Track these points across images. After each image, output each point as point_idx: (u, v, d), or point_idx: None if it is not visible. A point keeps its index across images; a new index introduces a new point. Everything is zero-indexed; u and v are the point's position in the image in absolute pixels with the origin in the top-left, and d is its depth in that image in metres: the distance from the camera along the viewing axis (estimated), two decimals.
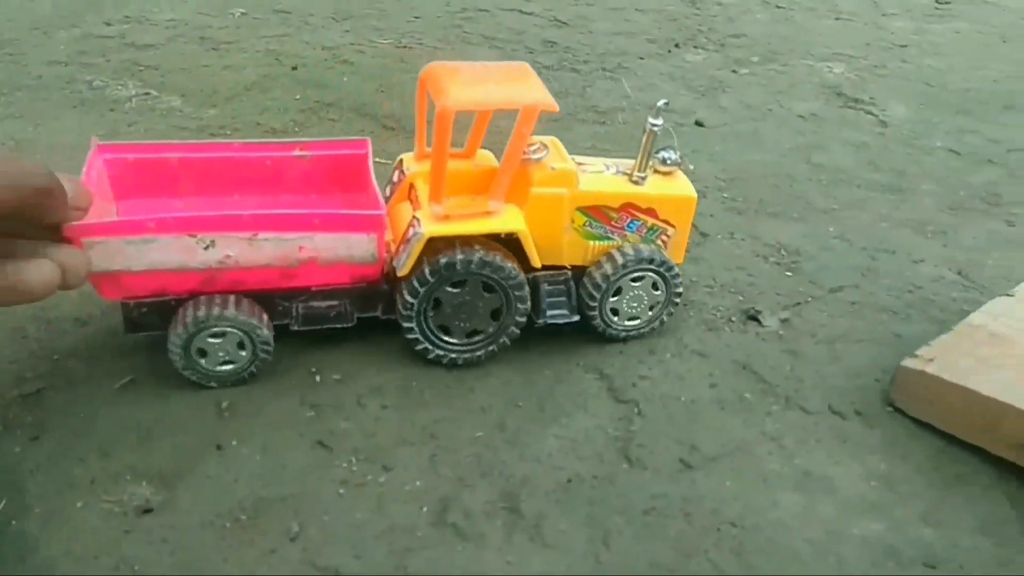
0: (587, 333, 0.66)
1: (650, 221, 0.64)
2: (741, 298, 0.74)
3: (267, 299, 0.58)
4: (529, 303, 0.62)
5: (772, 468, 0.57)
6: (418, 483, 0.53)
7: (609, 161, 0.66)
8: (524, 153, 0.59)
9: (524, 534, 0.51)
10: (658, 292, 0.65)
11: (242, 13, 1.34)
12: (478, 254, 0.58)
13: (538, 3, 1.48)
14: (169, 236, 0.52)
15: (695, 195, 0.64)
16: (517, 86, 0.57)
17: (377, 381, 0.61)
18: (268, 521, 0.49)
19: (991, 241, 0.85)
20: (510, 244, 0.60)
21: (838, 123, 1.08)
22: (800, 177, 0.94)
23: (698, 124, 1.05)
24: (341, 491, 0.52)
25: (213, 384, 0.58)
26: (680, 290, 0.65)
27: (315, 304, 0.59)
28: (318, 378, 0.60)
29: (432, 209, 0.57)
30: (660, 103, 0.62)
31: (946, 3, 1.56)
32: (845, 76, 1.22)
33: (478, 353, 0.63)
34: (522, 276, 0.60)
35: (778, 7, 1.51)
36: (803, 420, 0.61)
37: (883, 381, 0.65)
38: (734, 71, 1.22)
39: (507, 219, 0.58)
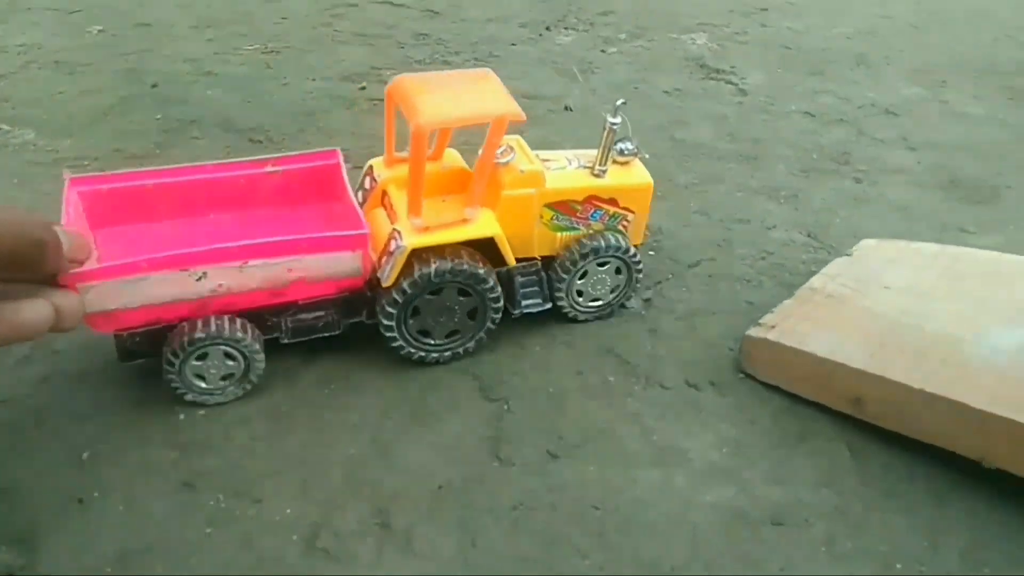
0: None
1: (612, 210, 0.68)
2: None
3: (256, 315, 0.61)
4: (501, 304, 0.65)
5: (632, 447, 0.60)
6: (288, 511, 0.54)
7: (571, 154, 0.70)
8: (495, 159, 0.64)
9: (394, 547, 0.52)
10: (620, 276, 0.70)
11: (99, 31, 1.29)
12: (450, 263, 0.61)
13: None
14: (162, 273, 0.55)
15: (651, 181, 0.69)
16: (485, 99, 0.60)
17: (244, 411, 0.61)
18: (135, 572, 0.49)
19: (839, 200, 0.90)
20: (485, 243, 0.64)
21: (700, 96, 1.12)
22: (664, 155, 0.98)
23: (567, 109, 1.07)
24: (208, 531, 0.52)
25: (205, 399, 0.61)
26: (640, 274, 0.71)
27: (303, 316, 0.62)
28: (182, 416, 0.60)
29: (412, 221, 0.61)
30: (618, 102, 0.66)
31: None
32: (707, 47, 1.26)
33: (458, 351, 0.66)
34: (493, 280, 0.64)
35: None
36: (662, 396, 0.65)
37: (736, 350, 0.69)
38: (603, 51, 1.25)
39: (482, 225, 0.63)
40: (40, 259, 0.43)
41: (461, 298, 0.64)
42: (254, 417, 0.61)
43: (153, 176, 0.64)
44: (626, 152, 0.69)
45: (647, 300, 0.74)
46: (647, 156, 0.71)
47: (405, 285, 0.61)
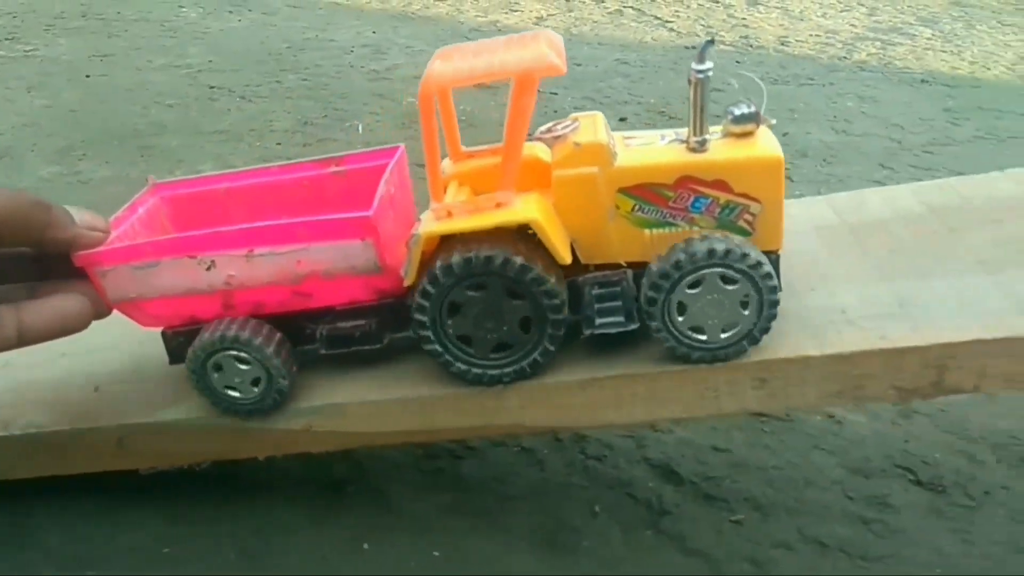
0: None
1: (723, 197, 0.50)
2: None
3: (293, 323, 0.55)
4: (563, 312, 0.51)
5: None
6: None
7: (668, 131, 0.53)
8: (553, 131, 0.52)
9: None
10: (746, 312, 0.50)
11: None
12: (482, 251, 0.49)
13: None
14: (169, 259, 0.52)
15: (780, 154, 0.49)
16: (509, 53, 0.48)
17: None
18: None
19: None
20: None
21: None
22: None
23: None
24: None
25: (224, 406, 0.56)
26: (777, 298, 0.50)
27: (341, 324, 0.55)
28: None
29: (432, 208, 0.50)
30: (705, 40, 0.49)
31: None
32: None
33: (508, 370, 0.53)
34: (549, 279, 0.49)
35: None
36: None
37: None
38: None
39: (519, 209, 0.49)
40: (46, 219, 0.46)
41: (514, 301, 0.51)
42: None
43: (225, 180, 0.63)
44: (742, 118, 0.50)
45: None
46: (774, 123, 0.51)
47: (429, 279, 0.50)
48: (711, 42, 0.49)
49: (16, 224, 0.45)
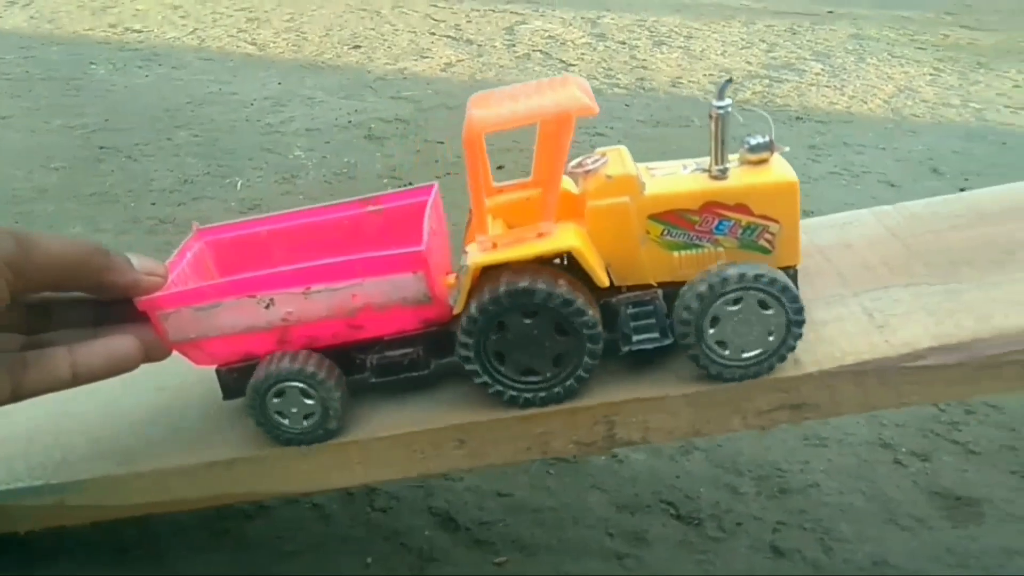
0: None
1: (744, 219, 0.54)
2: None
3: (344, 354, 0.56)
4: (599, 340, 0.53)
5: None
6: None
7: (689, 161, 0.57)
8: (583, 166, 0.55)
9: None
10: (770, 311, 0.53)
11: None
12: (560, 290, 0.52)
13: None
14: (230, 299, 0.53)
15: (795, 179, 0.54)
16: (546, 97, 0.52)
17: None
18: None
19: None
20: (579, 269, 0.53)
21: None
22: None
23: None
24: None
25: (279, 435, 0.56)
26: (801, 308, 0.53)
27: (390, 353, 0.57)
28: None
29: (478, 240, 0.53)
30: (724, 80, 0.55)
31: None
32: None
33: (542, 395, 0.55)
34: (585, 306, 0.52)
35: None
36: None
37: None
38: None
39: (559, 238, 0.53)
40: (105, 264, 0.47)
41: (558, 337, 0.54)
42: None
43: (267, 223, 0.64)
44: (757, 147, 0.54)
45: None
46: (787, 149, 0.55)
47: (475, 307, 0.52)
48: (729, 81, 0.55)
49: (77, 269, 0.47)
